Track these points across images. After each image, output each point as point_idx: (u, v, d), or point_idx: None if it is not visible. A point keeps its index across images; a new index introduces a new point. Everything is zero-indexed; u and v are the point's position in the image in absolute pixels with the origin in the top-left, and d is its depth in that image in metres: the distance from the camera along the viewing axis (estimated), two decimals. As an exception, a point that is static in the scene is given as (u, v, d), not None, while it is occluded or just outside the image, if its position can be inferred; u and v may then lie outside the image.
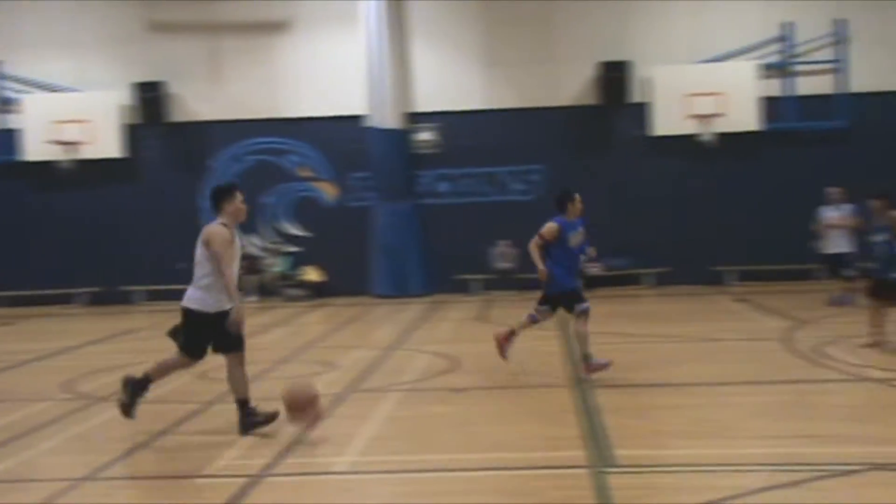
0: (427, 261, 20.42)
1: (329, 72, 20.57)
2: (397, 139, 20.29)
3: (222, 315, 7.83)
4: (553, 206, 10.35)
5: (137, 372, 8.29)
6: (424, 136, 20.65)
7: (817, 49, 19.71)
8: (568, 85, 20.30)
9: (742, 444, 7.13)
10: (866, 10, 19.53)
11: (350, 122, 20.35)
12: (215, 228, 7.87)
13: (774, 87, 19.75)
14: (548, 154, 20.40)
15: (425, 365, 11.25)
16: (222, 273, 7.76)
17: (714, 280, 19.63)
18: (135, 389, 8.09)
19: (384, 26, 19.96)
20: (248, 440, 7.77)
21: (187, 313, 7.90)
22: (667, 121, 19.55)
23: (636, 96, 19.86)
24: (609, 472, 6.44)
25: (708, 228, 19.82)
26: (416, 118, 20.63)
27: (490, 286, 20.19)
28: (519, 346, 10.89)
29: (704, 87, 19.34)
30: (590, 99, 20.16)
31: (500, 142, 20.43)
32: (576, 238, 10.12)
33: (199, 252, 7.89)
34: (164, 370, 8.18)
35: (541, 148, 20.41)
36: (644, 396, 9.02)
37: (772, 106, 19.61)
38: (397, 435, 7.84)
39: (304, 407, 7.59)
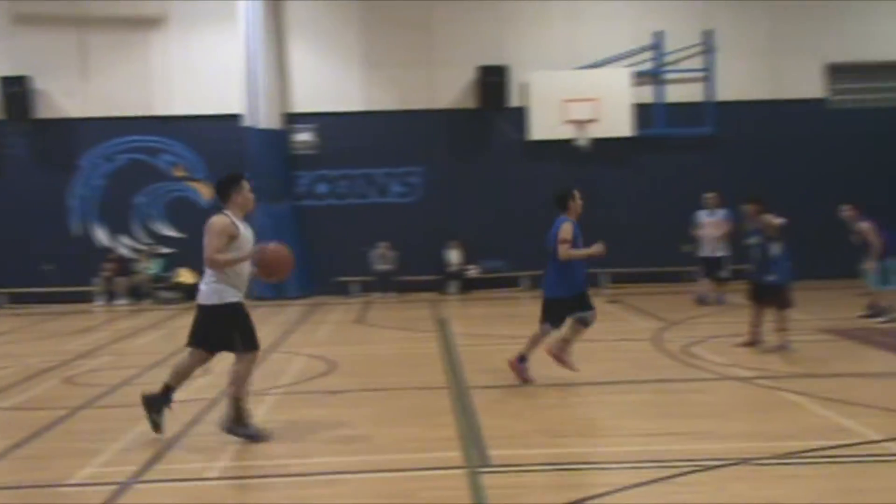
0: (305, 263, 20.18)
1: (205, 70, 20.16)
2: (275, 140, 20.04)
3: (235, 307, 7.54)
4: (555, 207, 10.20)
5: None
6: (303, 136, 20.46)
7: (687, 58, 20.37)
8: (447, 88, 20.43)
9: (614, 442, 7.29)
10: (732, 22, 20.30)
11: (227, 121, 19.99)
12: (215, 218, 7.57)
13: (646, 94, 20.31)
14: (427, 156, 20.49)
15: (302, 368, 11.12)
16: (210, 260, 7.46)
17: (588, 282, 19.96)
18: (156, 403, 7.71)
19: (262, 25, 19.69)
20: (118, 446, 7.52)
21: (218, 309, 7.54)
22: (544, 125, 19.88)
23: (514, 101, 20.14)
24: (483, 473, 6.49)
25: (582, 231, 20.19)
26: (295, 119, 20.43)
27: (369, 288, 20.13)
28: (397, 347, 10.90)
29: (580, 92, 19.75)
30: (469, 102, 20.33)
31: (379, 144, 20.40)
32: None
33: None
34: (184, 374, 7.79)
35: (420, 150, 20.49)
36: (520, 397, 9.12)
37: (644, 112, 20.17)
38: (273, 439, 7.71)
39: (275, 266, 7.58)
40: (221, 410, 8.79)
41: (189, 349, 7.74)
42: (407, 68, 20.41)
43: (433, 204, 20.33)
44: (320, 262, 20.16)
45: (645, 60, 20.38)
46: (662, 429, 7.64)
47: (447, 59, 20.37)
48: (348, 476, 6.64)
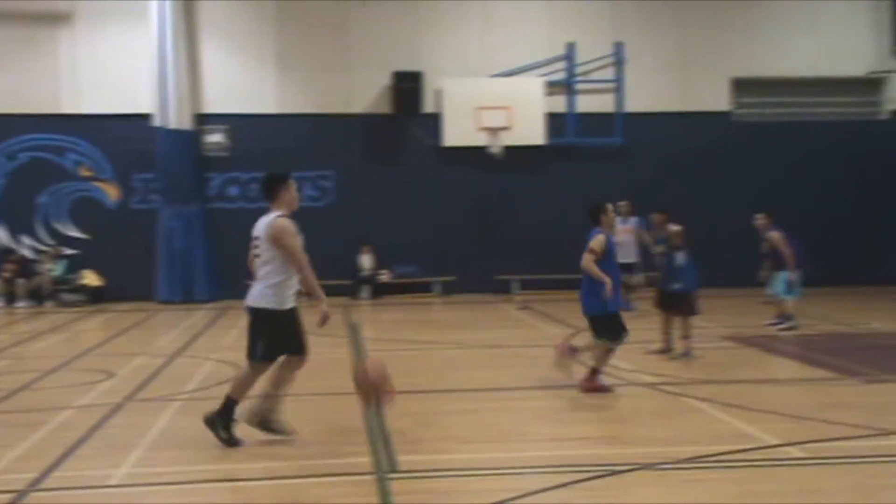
0: (215, 266, 19.92)
1: (115, 68, 19.71)
2: (186, 141, 19.71)
3: (293, 312, 7.45)
4: (588, 220, 9.84)
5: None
6: (214, 138, 20.17)
7: (598, 69, 20.70)
8: (362, 92, 20.37)
9: (522, 448, 7.35)
10: (642, 35, 20.71)
11: (136, 121, 19.59)
12: (282, 222, 7.36)
13: (559, 104, 20.57)
14: (340, 161, 20.39)
15: (210, 373, 10.94)
16: (301, 267, 7.33)
17: (499, 288, 20.19)
18: (224, 419, 7.44)
19: (174, 24, 19.36)
20: (15, 453, 7.29)
21: (273, 315, 7.38)
22: (457, 132, 19.96)
23: (428, 107, 20.18)
24: (392, 478, 6.47)
25: (494, 238, 20.40)
26: (206, 120, 20.12)
27: (280, 293, 19.86)
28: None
29: (494, 100, 19.90)
30: (383, 107, 20.31)
31: (292, 147, 20.20)
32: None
33: (267, 249, 7.37)
34: (244, 386, 7.54)
35: (333, 154, 20.38)
36: (430, 402, 9.13)
37: (556, 121, 20.42)
38: (176, 445, 7.57)
39: (373, 386, 7.31)
40: (125, 416, 8.60)
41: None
42: (322, 71, 20.29)
43: (346, 208, 20.23)
44: (230, 265, 19.83)
45: (558, 70, 20.64)
46: (570, 434, 7.74)
47: (362, 63, 20.31)
48: (254, 483, 6.56)
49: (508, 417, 8.44)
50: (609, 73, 20.70)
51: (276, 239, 7.32)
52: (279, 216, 7.43)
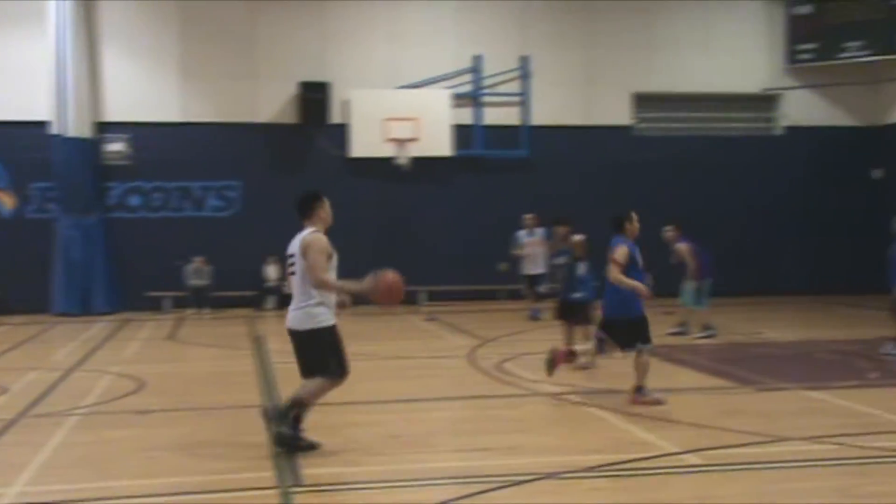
0: (115, 277, 19.47)
1: (10, 73, 19.13)
2: (85, 149, 19.23)
3: (336, 328, 7.47)
4: (611, 228, 9.69)
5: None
6: (115, 146, 19.73)
7: (504, 82, 20.93)
8: (268, 102, 20.19)
9: (427, 459, 7.37)
10: (547, 49, 21.02)
11: (33, 128, 19.04)
12: (314, 236, 7.42)
13: (466, 116, 20.72)
14: (246, 170, 20.17)
15: (108, 387, 10.68)
16: (316, 280, 7.26)
17: (407, 299, 20.13)
18: (286, 414, 7.46)
19: (73, 28, 18.91)
20: None
21: (320, 332, 7.38)
22: (365, 143, 19.94)
23: (336, 117, 20.11)
24: (296, 492, 6.42)
25: (402, 249, 20.37)
26: (107, 128, 19.68)
27: (183, 304, 19.55)
28: (210, 365, 10.62)
29: (401, 112, 19.95)
30: (290, 118, 20.16)
31: (196, 156, 19.91)
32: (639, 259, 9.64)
33: (302, 264, 7.38)
34: (316, 395, 7.54)
35: (239, 164, 20.14)
36: (336, 414, 9.07)
37: (463, 133, 20.56)
38: (73, 462, 7.37)
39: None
40: (18, 432, 8.34)
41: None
42: (227, 80, 20.05)
43: (251, 218, 19.99)
44: (131, 276, 19.47)
45: (465, 83, 20.80)
46: (475, 444, 7.79)
47: (269, 73, 20.15)
48: (154, 499, 6.42)
49: (414, 428, 8.45)
50: (515, 87, 20.95)
51: (305, 251, 7.36)
52: (313, 231, 7.49)
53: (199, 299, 19.37)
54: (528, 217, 17.54)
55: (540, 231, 17.25)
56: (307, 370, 7.52)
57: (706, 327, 14.43)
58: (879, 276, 18.97)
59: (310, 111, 19.92)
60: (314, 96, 19.87)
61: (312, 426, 8.41)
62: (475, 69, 20.79)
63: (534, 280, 17.24)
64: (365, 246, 20.18)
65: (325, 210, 7.65)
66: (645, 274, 9.57)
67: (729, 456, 7.21)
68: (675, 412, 8.75)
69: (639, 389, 9.27)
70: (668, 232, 14.66)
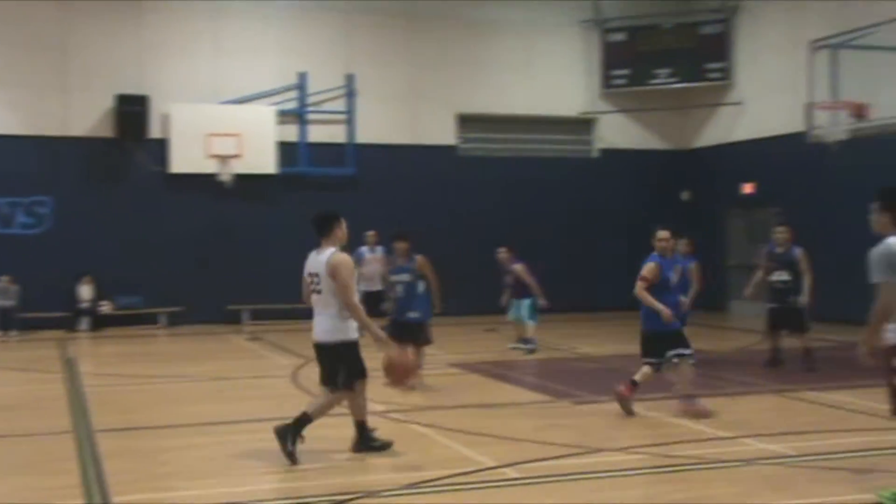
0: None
1: None
2: None
3: (358, 343, 7.82)
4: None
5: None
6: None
7: (330, 100, 20.88)
8: (82, 115, 19.42)
9: (246, 482, 7.21)
10: (373, 68, 21.11)
11: None
12: (342, 256, 7.76)
13: (291, 133, 20.54)
14: (58, 186, 19.30)
15: None
16: (349, 303, 7.63)
17: (229, 319, 19.79)
18: (363, 437, 7.97)
19: None
20: None
21: (346, 346, 7.72)
22: (185, 159, 19.45)
23: (155, 132, 19.54)
24: (106, 521, 6.16)
25: (224, 268, 19.99)
26: None
27: (-13, 326, 18.44)
28: (18, 389, 10.06)
29: (224, 127, 19.57)
30: (106, 131, 19.44)
31: (4, 170, 18.91)
32: (674, 276, 9.69)
33: (328, 284, 7.68)
34: (324, 410, 7.93)
35: (50, 179, 19.25)
36: (150, 439, 8.78)
37: (288, 150, 20.37)
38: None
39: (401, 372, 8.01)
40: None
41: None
42: (37, 91, 19.16)
43: (63, 236, 19.11)
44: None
45: (290, 99, 20.62)
46: (297, 466, 7.67)
47: (83, 85, 19.38)
48: (-51, 534, 6.02)
49: (232, 451, 8.25)
50: (341, 105, 20.93)
51: (334, 273, 7.63)
52: (336, 252, 7.79)
53: (5, 321, 18.30)
54: (370, 234, 17.49)
55: (379, 249, 17.27)
56: (330, 380, 7.89)
57: (529, 341, 14.82)
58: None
59: (127, 125, 19.26)
60: (132, 109, 19.23)
61: (123, 452, 8.13)
62: (300, 86, 20.66)
63: (370, 297, 17.14)
64: (185, 264, 19.69)
65: (343, 229, 8.02)
66: (671, 294, 9.72)
67: (545, 468, 7.39)
68: (494, 427, 8.90)
69: (688, 398, 9.48)
70: (502, 254, 14.99)
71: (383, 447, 7.97)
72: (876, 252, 6.09)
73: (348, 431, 9.05)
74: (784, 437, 8.46)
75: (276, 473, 7.47)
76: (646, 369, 9.58)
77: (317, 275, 7.78)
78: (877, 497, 6.24)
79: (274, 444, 8.52)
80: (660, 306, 9.38)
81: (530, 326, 14.95)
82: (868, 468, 7.22)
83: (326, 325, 7.79)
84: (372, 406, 10.12)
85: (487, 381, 12.12)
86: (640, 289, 9.48)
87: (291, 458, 7.57)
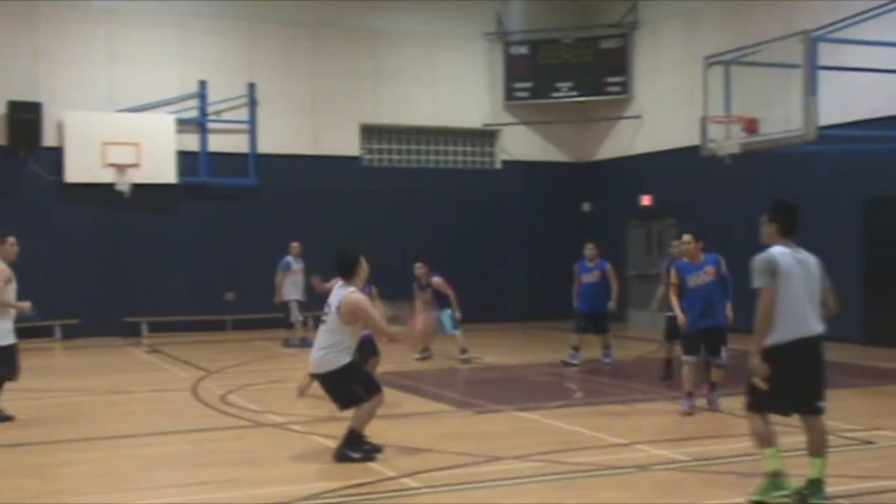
0: None
1: None
2: None
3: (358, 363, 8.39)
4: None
5: None
6: None
7: (231, 109, 20.63)
8: (-28, 122, 18.80)
9: (142, 497, 7.07)
10: (275, 78, 20.95)
11: None
12: (357, 296, 8.10)
13: (191, 142, 20.23)
14: (-55, 195, 18.62)
15: None
16: (385, 333, 8.41)
17: (128, 331, 19.36)
18: (355, 446, 8.08)
19: None
20: None
21: (343, 370, 8.09)
22: (81, 168, 18.96)
23: (49, 140, 19.03)
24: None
25: (122, 279, 19.57)
26: None
27: None
28: None
29: (122, 136, 19.15)
30: (-3, 139, 18.87)
31: None
32: (695, 279, 10.28)
33: (336, 319, 8.07)
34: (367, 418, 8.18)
35: (-63, 188, 18.57)
36: (43, 454, 8.55)
37: (188, 160, 20.04)
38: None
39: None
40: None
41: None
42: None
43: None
44: None
45: (190, 108, 20.31)
46: (195, 479, 7.59)
47: (-29, 90, 18.77)
48: None
49: (129, 465, 8.10)
50: (243, 114, 20.71)
51: (354, 313, 8.02)
52: (353, 292, 8.13)
53: None
54: (294, 245, 17.62)
55: (301, 260, 17.55)
56: (343, 404, 8.29)
57: (465, 350, 15.07)
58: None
59: (20, 133, 18.70)
60: (25, 117, 18.69)
61: (12, 469, 7.91)
62: (201, 94, 20.36)
63: (292, 306, 17.54)
64: (81, 276, 19.21)
65: (364, 269, 8.36)
66: (683, 299, 10.40)
67: (445, 478, 7.44)
68: (396, 438, 8.92)
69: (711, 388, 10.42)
70: (419, 269, 15.07)
71: (369, 450, 8.12)
72: (758, 259, 6.53)
73: (251, 442, 8.98)
74: (677, 442, 8.70)
75: (173, 487, 7.36)
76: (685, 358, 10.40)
77: (329, 306, 8.21)
78: (749, 496, 6.60)
79: (170, 458, 8.40)
80: (677, 312, 10.47)
81: (459, 337, 15.07)
82: (755, 472, 7.46)
83: (321, 356, 8.16)
84: (272, 418, 10.10)
85: (391, 392, 12.04)
86: (670, 293, 10.78)
87: (372, 451, 8.09)
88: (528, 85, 22.88)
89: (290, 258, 17.75)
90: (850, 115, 16.34)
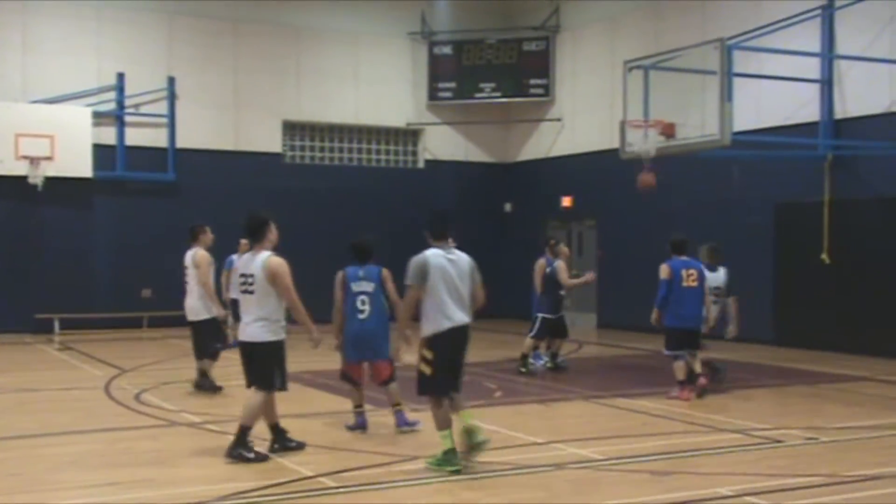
0: None
1: None
2: None
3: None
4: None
5: None
6: None
7: (150, 102, 20.26)
8: None
9: (50, 497, 6.90)
10: (196, 72, 20.67)
11: None
12: (277, 260, 7.96)
13: (108, 136, 19.82)
14: None
15: None
16: (294, 302, 8.00)
17: (39, 328, 18.89)
18: (243, 446, 7.91)
19: None
20: None
21: (272, 346, 7.99)
22: (-7, 159, 18.44)
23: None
24: None
25: (35, 275, 19.09)
26: None
27: None
28: None
29: (35, 128, 18.67)
30: None
31: None
32: (686, 279, 11.11)
33: (263, 286, 7.87)
34: (257, 413, 8.07)
35: None
36: (-55, 455, 8.28)
37: (105, 154, 19.63)
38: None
39: None
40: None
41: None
42: None
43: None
44: None
45: (107, 101, 19.89)
46: (106, 479, 7.43)
47: None
48: None
49: (38, 465, 7.89)
50: (161, 108, 20.35)
51: (273, 278, 7.86)
52: (272, 255, 8.00)
53: None
54: (244, 242, 17.15)
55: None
56: (253, 380, 8.08)
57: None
58: (510, 302, 20.53)
59: (-72, 122, 18.13)
60: (-67, 106, 18.13)
61: (-84, 469, 7.66)
62: (119, 87, 19.95)
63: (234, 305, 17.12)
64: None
65: (274, 233, 8.21)
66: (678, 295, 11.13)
67: (360, 477, 7.42)
68: (312, 437, 8.86)
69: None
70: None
71: (258, 456, 7.97)
72: (412, 260, 7.66)
73: (165, 442, 8.83)
74: (592, 441, 8.81)
75: (83, 488, 7.20)
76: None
77: (252, 275, 8.00)
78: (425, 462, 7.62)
79: (81, 458, 8.22)
80: (656, 306, 11.31)
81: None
82: (667, 470, 7.61)
83: (257, 326, 8.00)
84: (187, 417, 9.96)
85: (308, 391, 12.03)
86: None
87: (260, 457, 7.91)
88: (451, 85, 22.96)
89: (234, 256, 17.21)
90: (763, 122, 16.80)
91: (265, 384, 8.06)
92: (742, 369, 12.42)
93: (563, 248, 14.36)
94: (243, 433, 7.97)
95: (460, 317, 7.60)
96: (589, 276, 14.05)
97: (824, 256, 16.01)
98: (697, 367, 11.33)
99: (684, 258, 11.33)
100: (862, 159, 15.91)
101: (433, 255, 7.61)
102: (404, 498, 6.91)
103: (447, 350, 7.58)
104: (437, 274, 7.51)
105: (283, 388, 8.17)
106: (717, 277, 11.96)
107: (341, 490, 7.06)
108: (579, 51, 21.96)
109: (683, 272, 11.14)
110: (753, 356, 14.73)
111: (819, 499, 6.83)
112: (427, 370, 7.63)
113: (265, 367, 8.03)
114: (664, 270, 11.25)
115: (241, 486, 7.09)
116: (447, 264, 7.60)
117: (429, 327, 7.58)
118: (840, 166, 16.12)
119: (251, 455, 7.91)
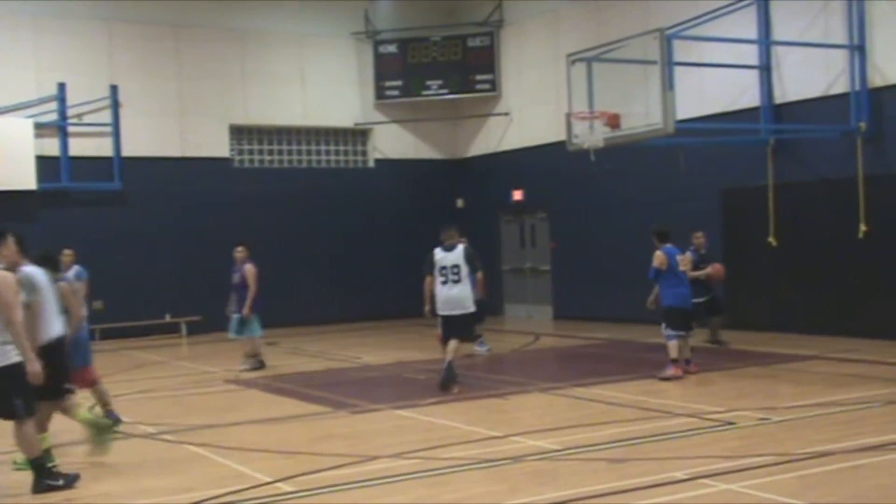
0: None
1: None
2: None
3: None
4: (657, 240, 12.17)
5: None
6: None
7: (93, 112, 19.97)
8: None
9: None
10: (139, 79, 20.39)
11: None
12: (5, 275, 7.29)
13: (51, 147, 19.52)
14: None
15: None
16: (13, 322, 7.09)
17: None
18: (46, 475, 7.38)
19: None
20: None
21: (6, 372, 7.10)
22: (-68, 175, 18.08)
23: None
24: None
25: None
26: None
27: None
28: None
29: (-24, 141, 18.34)
30: None
31: None
32: (681, 263, 12.19)
33: None
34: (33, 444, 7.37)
35: None
36: None
37: (49, 165, 19.33)
38: None
39: None
40: None
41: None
42: None
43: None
44: None
45: (49, 111, 19.59)
46: (62, 496, 7.33)
47: None
48: None
49: (-10, 486, 7.78)
50: (105, 117, 20.08)
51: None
52: (2, 269, 7.45)
53: None
54: (239, 250, 16.97)
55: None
56: (17, 408, 7.23)
57: (257, 355, 14.42)
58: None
59: None
60: None
61: None
62: (60, 97, 19.65)
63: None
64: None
65: (10, 248, 7.75)
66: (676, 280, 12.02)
67: (321, 480, 7.40)
68: (270, 442, 8.84)
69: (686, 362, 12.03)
70: (238, 252, 14.52)
71: (67, 480, 7.45)
72: (21, 276, 7.64)
73: (121, 453, 8.74)
74: (550, 432, 8.88)
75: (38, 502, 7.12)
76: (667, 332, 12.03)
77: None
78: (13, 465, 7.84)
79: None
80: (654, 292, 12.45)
81: (258, 340, 14.47)
82: (623, 457, 7.70)
83: None
84: (142, 428, 9.86)
85: (265, 396, 11.99)
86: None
87: (69, 481, 7.48)
88: (398, 83, 22.94)
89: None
90: (706, 109, 17.01)
91: (9, 415, 7.23)
92: (696, 354, 12.58)
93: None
94: (37, 466, 7.38)
95: (59, 329, 8.10)
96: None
97: (771, 239, 16.27)
98: (688, 353, 12.16)
99: (669, 245, 12.14)
100: (803, 142, 16.18)
101: (34, 272, 7.94)
102: (364, 499, 6.92)
103: (55, 358, 7.83)
104: (43, 291, 7.93)
105: (31, 413, 7.29)
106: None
107: (300, 494, 7.04)
108: (524, 45, 22.06)
109: (678, 257, 12.15)
110: (705, 339, 14.91)
111: (772, 477, 6.95)
112: (39, 380, 7.30)
113: (3, 396, 7.14)
114: (659, 258, 11.99)
115: (200, 495, 7.05)
116: (48, 283, 8.08)
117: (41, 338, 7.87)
118: (782, 150, 16.38)
119: (60, 482, 7.39)
